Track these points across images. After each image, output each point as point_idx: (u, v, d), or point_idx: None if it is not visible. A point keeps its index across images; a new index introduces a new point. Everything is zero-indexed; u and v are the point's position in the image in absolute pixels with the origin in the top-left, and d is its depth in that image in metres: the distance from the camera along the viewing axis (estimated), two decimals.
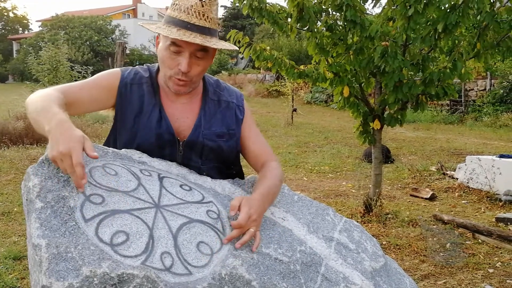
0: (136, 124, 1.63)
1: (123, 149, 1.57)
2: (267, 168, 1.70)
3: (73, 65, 10.82)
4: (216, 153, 1.69)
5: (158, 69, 1.70)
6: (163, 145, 1.63)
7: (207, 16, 1.54)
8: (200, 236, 1.35)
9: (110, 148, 1.54)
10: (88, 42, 33.74)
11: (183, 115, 1.67)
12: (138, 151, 1.59)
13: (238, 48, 1.78)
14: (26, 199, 1.29)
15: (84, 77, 10.23)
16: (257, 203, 1.47)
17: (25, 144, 8.70)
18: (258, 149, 1.76)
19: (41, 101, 1.41)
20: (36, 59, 10.43)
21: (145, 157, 1.58)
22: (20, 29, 55.07)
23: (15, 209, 5.27)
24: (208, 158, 1.68)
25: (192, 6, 1.52)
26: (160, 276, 1.18)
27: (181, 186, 1.51)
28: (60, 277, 1.08)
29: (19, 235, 4.49)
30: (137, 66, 1.74)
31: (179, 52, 1.54)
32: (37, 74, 10.28)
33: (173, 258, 1.25)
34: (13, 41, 44.94)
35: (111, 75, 1.67)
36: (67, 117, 1.34)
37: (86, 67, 10.68)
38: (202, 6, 1.53)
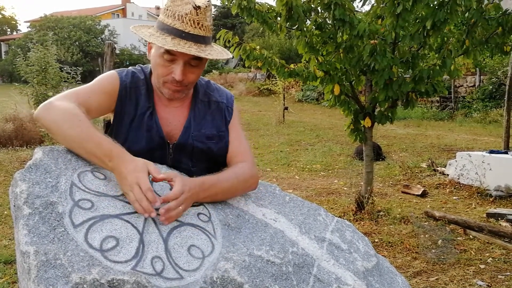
0: (130, 127, 1.61)
1: None
2: (232, 166, 1.67)
3: (62, 66, 10.74)
4: (206, 155, 1.68)
5: (151, 71, 1.68)
6: (153, 148, 1.62)
7: (202, 25, 1.51)
8: (191, 239, 1.34)
9: None
10: (77, 43, 33.49)
11: (175, 118, 1.66)
12: None
13: (231, 56, 1.75)
14: (14, 205, 1.27)
15: (74, 78, 10.16)
16: (193, 184, 1.45)
17: (14, 146, 8.64)
18: (234, 150, 1.72)
19: (79, 126, 1.41)
20: (24, 61, 10.34)
21: None
22: (9, 30, 54.71)
23: (6, 212, 5.22)
24: (199, 160, 1.67)
25: (186, 14, 1.49)
26: (151, 281, 1.17)
27: (171, 189, 1.49)
28: (49, 285, 1.07)
29: (9, 239, 4.45)
30: (130, 67, 1.71)
31: (173, 60, 1.53)
32: (26, 76, 10.19)
33: (164, 262, 1.24)
34: (1, 42, 44.52)
35: (110, 80, 1.64)
36: (120, 146, 1.42)
37: (75, 68, 10.59)
38: (197, 14, 1.50)
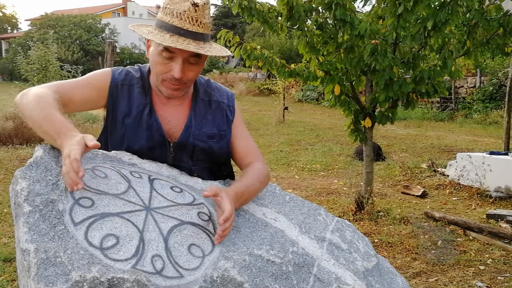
0: (126, 126, 1.61)
1: (113, 151, 1.55)
2: (250, 168, 1.68)
3: (62, 64, 10.76)
4: (207, 154, 1.67)
5: (149, 70, 1.68)
6: (154, 146, 1.61)
7: (200, 22, 1.51)
8: (191, 238, 1.34)
9: (100, 150, 1.51)
10: (77, 41, 33.48)
11: (174, 117, 1.66)
12: (128, 153, 1.57)
13: (231, 53, 1.75)
14: (14, 203, 1.27)
15: (74, 77, 10.17)
16: (234, 200, 1.46)
17: (14, 144, 8.63)
18: (244, 149, 1.74)
19: (41, 107, 1.41)
20: (25, 59, 10.35)
21: (135, 159, 1.57)
22: (9, 28, 54.72)
23: (5, 210, 5.22)
24: (199, 159, 1.67)
25: (185, 11, 1.49)
26: (151, 280, 1.16)
27: (171, 188, 1.49)
28: (49, 283, 1.06)
29: (9, 237, 4.45)
30: (128, 66, 1.72)
31: (172, 58, 1.52)
32: (26, 74, 10.21)
33: (164, 261, 1.24)
34: (2, 41, 44.50)
35: (102, 75, 1.65)
36: (72, 126, 1.39)
37: (76, 66, 10.62)
38: (195, 11, 1.50)
